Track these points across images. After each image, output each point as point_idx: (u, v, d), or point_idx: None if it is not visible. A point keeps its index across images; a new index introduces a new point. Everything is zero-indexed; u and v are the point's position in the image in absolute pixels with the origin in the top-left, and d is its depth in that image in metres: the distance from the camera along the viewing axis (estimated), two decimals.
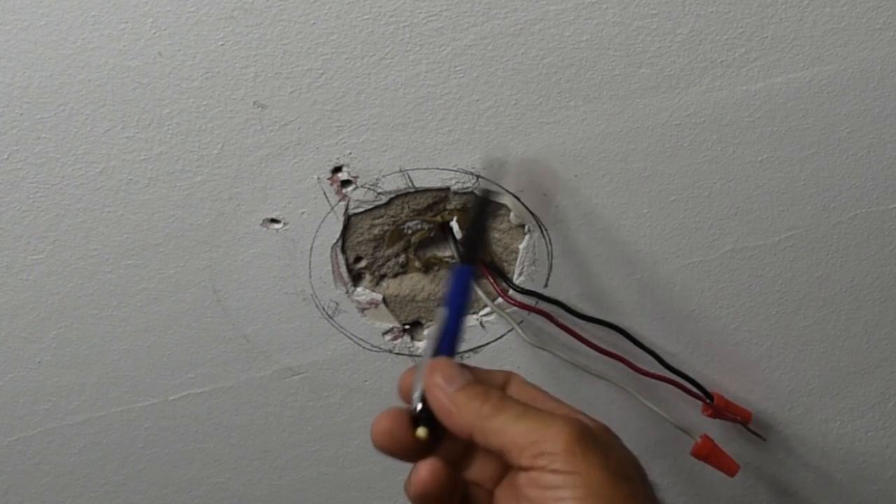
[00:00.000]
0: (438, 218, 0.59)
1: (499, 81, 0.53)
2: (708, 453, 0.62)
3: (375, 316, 0.61)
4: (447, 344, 0.42)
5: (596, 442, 0.37)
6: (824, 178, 0.58)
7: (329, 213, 0.56)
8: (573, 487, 0.35)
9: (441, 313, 0.43)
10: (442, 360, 0.40)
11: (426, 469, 0.38)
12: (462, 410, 0.38)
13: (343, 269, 0.59)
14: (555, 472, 0.36)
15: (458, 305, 0.43)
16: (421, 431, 0.39)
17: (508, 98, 0.53)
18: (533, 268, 0.60)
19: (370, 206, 0.57)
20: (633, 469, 0.39)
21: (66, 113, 0.51)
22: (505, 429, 0.37)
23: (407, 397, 0.41)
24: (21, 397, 0.62)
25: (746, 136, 0.56)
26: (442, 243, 0.61)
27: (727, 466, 0.63)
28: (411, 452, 0.39)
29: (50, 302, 0.58)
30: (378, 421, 0.39)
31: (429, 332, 0.41)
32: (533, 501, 0.36)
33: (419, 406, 0.39)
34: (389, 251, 0.60)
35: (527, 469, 0.37)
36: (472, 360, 0.63)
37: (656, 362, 0.62)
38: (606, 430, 0.40)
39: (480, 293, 0.59)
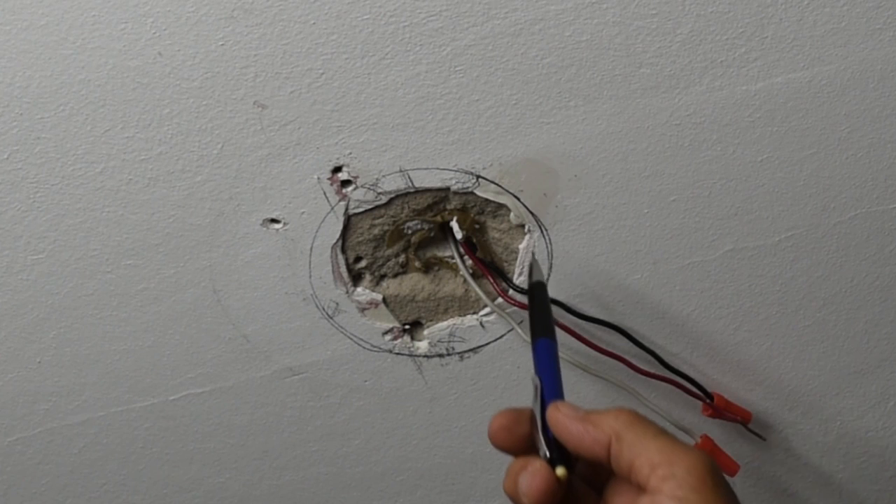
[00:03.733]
0: (438, 218, 0.59)
1: (499, 81, 0.53)
2: (708, 453, 0.62)
3: (375, 316, 0.61)
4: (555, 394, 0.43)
5: (722, 480, 0.37)
6: (824, 178, 0.58)
7: (329, 213, 0.56)
8: None
9: (536, 381, 0.44)
10: (562, 401, 0.42)
11: (540, 479, 0.39)
12: (599, 424, 0.39)
13: (343, 269, 0.59)
14: (681, 500, 0.35)
15: (551, 375, 0.44)
16: (560, 471, 0.39)
17: (508, 98, 0.53)
18: None
19: (370, 206, 0.57)
20: None
21: (66, 113, 0.51)
22: (641, 444, 0.37)
23: (502, 441, 0.41)
24: (21, 397, 0.62)
25: (746, 136, 0.56)
26: (442, 243, 0.61)
27: (727, 466, 0.63)
28: (526, 448, 0.41)
29: (50, 302, 0.58)
30: (494, 419, 0.41)
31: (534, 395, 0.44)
32: None
33: (547, 451, 0.40)
34: (389, 251, 0.60)
35: (652, 492, 0.36)
36: (472, 360, 0.63)
37: (656, 362, 0.62)
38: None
39: (480, 293, 0.60)
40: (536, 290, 0.51)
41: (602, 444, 0.38)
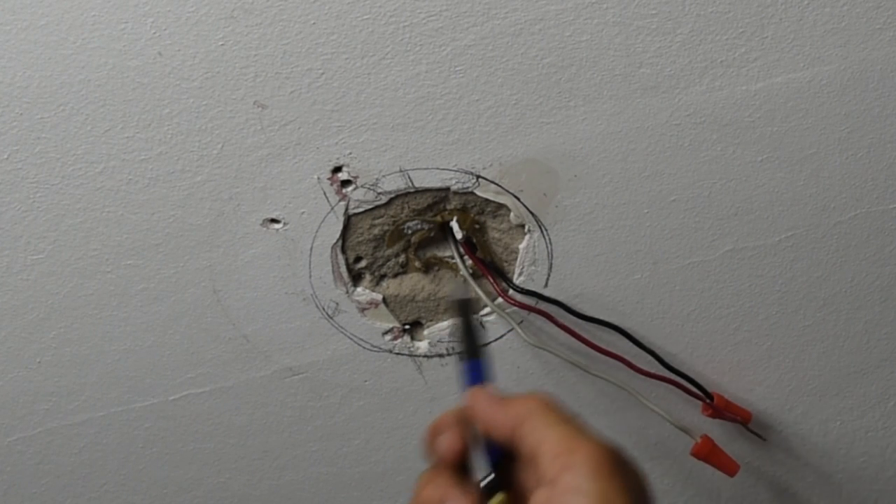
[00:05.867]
0: (438, 218, 0.59)
1: (499, 81, 0.53)
2: (708, 453, 0.62)
3: (375, 316, 0.61)
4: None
5: (624, 465, 0.37)
6: (824, 178, 0.58)
7: (329, 213, 0.56)
8: None
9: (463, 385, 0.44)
10: (481, 386, 0.42)
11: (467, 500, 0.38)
12: (508, 410, 0.39)
13: (343, 269, 0.59)
14: (578, 491, 0.35)
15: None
16: (497, 500, 0.38)
17: (508, 98, 0.53)
18: (533, 268, 0.60)
19: (370, 206, 0.57)
20: (647, 497, 0.38)
21: (66, 113, 0.51)
22: (544, 432, 0.37)
23: (440, 452, 0.41)
24: (21, 397, 0.62)
25: (746, 136, 0.56)
26: (442, 243, 0.61)
27: (727, 466, 0.63)
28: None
29: (50, 302, 0.58)
30: (445, 440, 0.40)
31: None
32: None
33: (487, 477, 0.39)
34: (389, 251, 0.60)
35: (550, 483, 0.36)
36: None
37: (656, 362, 0.62)
38: (632, 460, 0.40)
39: (480, 293, 0.59)
40: (462, 308, 0.49)
41: (508, 428, 0.38)
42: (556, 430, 0.37)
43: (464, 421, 0.41)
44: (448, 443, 0.41)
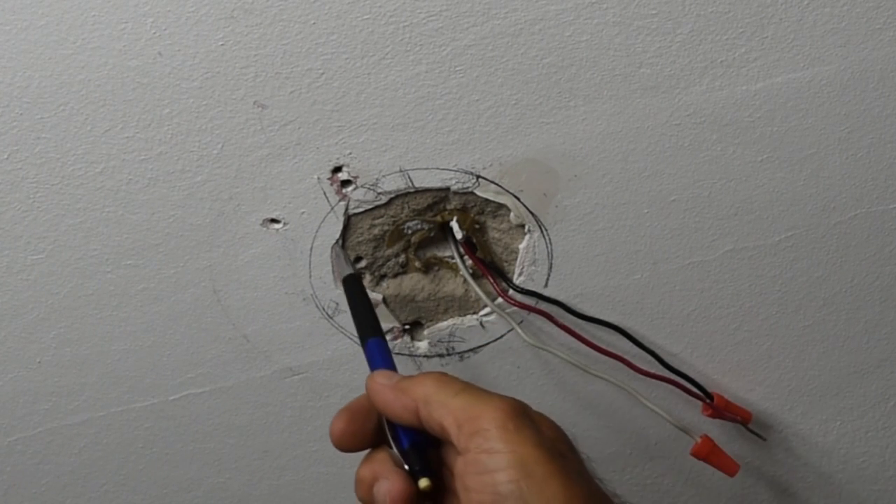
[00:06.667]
0: (438, 218, 0.59)
1: (499, 81, 0.53)
2: (708, 453, 0.62)
3: None
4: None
5: (530, 418, 0.38)
6: (824, 178, 0.58)
7: (329, 213, 0.56)
8: (508, 468, 0.36)
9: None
10: (380, 370, 0.43)
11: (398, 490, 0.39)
12: (407, 391, 0.40)
13: None
14: (490, 452, 0.36)
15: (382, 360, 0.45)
16: (424, 483, 0.39)
17: (508, 98, 0.53)
18: (533, 268, 0.60)
19: (370, 206, 0.57)
20: (564, 445, 0.40)
21: (66, 113, 0.51)
22: (447, 402, 0.38)
23: (350, 445, 0.42)
24: (21, 397, 0.62)
25: (746, 136, 0.56)
26: (442, 243, 0.61)
27: (727, 466, 0.63)
28: (372, 442, 0.42)
29: (50, 302, 0.58)
30: (334, 427, 0.42)
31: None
32: (471, 490, 0.37)
33: (406, 465, 0.40)
34: (389, 251, 0.60)
35: (463, 452, 0.37)
36: (472, 360, 0.63)
37: (656, 362, 0.62)
38: (538, 412, 0.41)
39: (480, 293, 0.60)
40: (350, 284, 0.49)
41: (410, 410, 0.39)
42: (456, 401, 0.38)
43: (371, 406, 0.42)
44: (333, 428, 0.42)
